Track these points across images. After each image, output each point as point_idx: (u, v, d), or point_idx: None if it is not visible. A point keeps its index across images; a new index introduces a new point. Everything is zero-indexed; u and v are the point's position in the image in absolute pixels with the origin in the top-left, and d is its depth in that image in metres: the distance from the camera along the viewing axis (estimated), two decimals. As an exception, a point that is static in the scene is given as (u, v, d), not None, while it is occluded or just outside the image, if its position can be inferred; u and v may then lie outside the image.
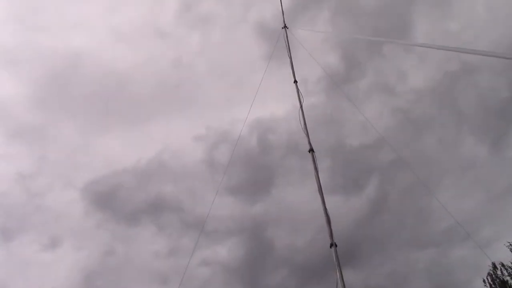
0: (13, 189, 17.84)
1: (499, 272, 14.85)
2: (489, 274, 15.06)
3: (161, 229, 16.85)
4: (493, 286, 14.92)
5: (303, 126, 7.07)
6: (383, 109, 17.47)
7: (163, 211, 17.26)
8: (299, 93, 7.47)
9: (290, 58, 8.28)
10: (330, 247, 5.64)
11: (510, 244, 14.78)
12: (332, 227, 5.87)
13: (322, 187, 6.28)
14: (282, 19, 9.39)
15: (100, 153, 19.06)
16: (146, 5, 21.63)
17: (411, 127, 16.85)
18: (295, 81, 7.83)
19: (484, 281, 15.10)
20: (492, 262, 14.53)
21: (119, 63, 20.51)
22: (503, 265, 14.82)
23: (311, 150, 6.76)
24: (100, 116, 19.92)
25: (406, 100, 17.98)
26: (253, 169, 14.73)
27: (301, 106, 7.21)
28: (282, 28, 9.17)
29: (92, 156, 19.12)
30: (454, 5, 19.58)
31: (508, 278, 14.54)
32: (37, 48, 19.44)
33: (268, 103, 15.60)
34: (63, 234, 16.98)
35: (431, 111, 17.75)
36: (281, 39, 8.80)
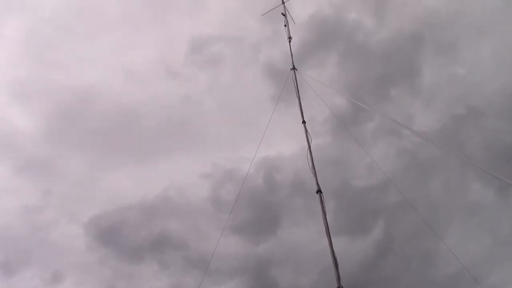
0: (17, 222, 17.79)
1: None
2: None
3: (163, 267, 16.64)
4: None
5: (311, 167, 7.09)
6: (390, 151, 17.47)
7: (166, 249, 17.10)
8: (308, 133, 7.56)
9: (299, 98, 8.43)
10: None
11: None
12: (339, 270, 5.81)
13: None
14: (291, 60, 9.63)
15: (106, 188, 19.09)
16: (158, 45, 22.11)
17: (418, 170, 16.80)
18: (304, 122, 7.94)
19: None
20: None
21: (129, 100, 20.80)
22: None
23: (319, 191, 6.76)
24: (108, 151, 20.06)
25: (412, 143, 18.03)
26: (259, 208, 14.68)
27: (309, 147, 7.27)
28: (291, 69, 9.39)
29: (98, 191, 19.14)
30: (460, 51, 19.87)
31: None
32: (50, 83, 19.83)
33: (275, 143, 15.68)
34: (65, 269, 16.79)
35: (437, 154, 17.76)
36: (289, 80, 9.00)
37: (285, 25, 10.79)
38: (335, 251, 6.03)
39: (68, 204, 18.71)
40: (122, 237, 17.68)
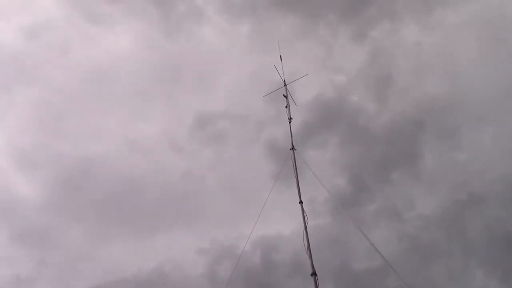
0: (7, 292, 17.29)
1: None
2: None
3: None
4: None
5: (306, 248, 7.02)
6: (390, 235, 17.21)
7: (159, 327, 16.45)
8: (304, 214, 7.55)
9: (297, 178, 8.51)
10: None
11: None
12: None
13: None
14: (291, 140, 9.83)
15: (101, 261, 18.71)
16: (164, 119, 22.65)
17: (419, 255, 16.45)
18: (301, 202, 7.95)
19: None
20: None
21: (132, 172, 20.99)
22: None
23: (314, 274, 6.65)
24: (107, 223, 19.89)
25: (413, 227, 17.82)
26: (255, 287, 14.24)
27: (306, 228, 7.24)
28: (290, 149, 9.56)
29: (93, 263, 18.74)
30: (461, 137, 20.19)
31: None
32: (54, 153, 20.14)
33: (274, 221, 15.54)
34: None
35: (439, 239, 17.47)
36: (288, 160, 9.14)
37: (286, 106, 11.13)
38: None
39: (61, 276, 18.28)
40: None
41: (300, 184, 8.68)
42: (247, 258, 14.69)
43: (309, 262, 6.96)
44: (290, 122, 10.55)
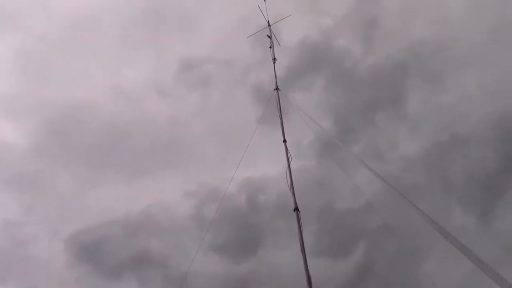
0: (-3, 236, 17.56)
1: None
2: None
3: (142, 284, 16.41)
4: None
5: (289, 185, 7.18)
6: (373, 175, 17.57)
7: (146, 266, 16.89)
8: (288, 152, 7.68)
9: (281, 118, 8.58)
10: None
11: None
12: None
13: (306, 248, 6.30)
14: (275, 81, 9.82)
15: (90, 205, 18.97)
16: (149, 65, 22.35)
17: (401, 195, 16.88)
18: (285, 141, 8.07)
19: None
20: None
21: (118, 118, 20.90)
22: None
23: (296, 209, 6.84)
24: (95, 168, 20.01)
25: (396, 168, 18.21)
26: (241, 228, 14.64)
27: (289, 165, 7.38)
28: (274, 89, 9.57)
29: (81, 208, 19.00)
30: (446, 81, 20.29)
31: None
32: (40, 101, 19.88)
33: (260, 164, 15.77)
34: (42, 285, 16.52)
35: (420, 180, 17.92)
36: (273, 101, 9.17)
37: (270, 47, 11.05)
38: (310, 270, 6.08)
39: (50, 220, 18.55)
40: (102, 254, 17.49)
41: (285, 126, 8.75)
42: (233, 200, 15.02)
43: (292, 200, 7.13)
44: (274, 63, 10.51)
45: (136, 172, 19.82)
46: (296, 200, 7.11)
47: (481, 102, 19.51)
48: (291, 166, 7.65)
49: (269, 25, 11.38)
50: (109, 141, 20.34)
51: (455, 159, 18.51)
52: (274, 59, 10.67)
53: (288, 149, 7.90)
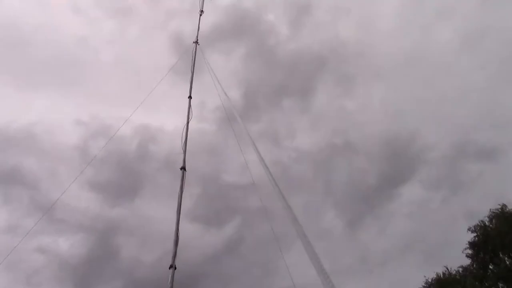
0: None
1: None
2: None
3: (6, 202, 15.36)
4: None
5: (183, 143, 6.97)
6: (266, 157, 17.91)
7: (15, 184, 15.82)
8: (190, 109, 7.42)
9: (192, 72, 8.20)
10: (169, 268, 5.51)
11: None
12: (179, 251, 5.76)
13: (182, 210, 6.18)
14: (196, 34, 9.37)
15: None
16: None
17: (286, 184, 17.45)
18: (190, 97, 7.76)
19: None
20: None
21: (24, 21, 19.09)
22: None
23: (183, 168, 6.67)
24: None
25: (288, 156, 18.75)
26: (124, 173, 14.17)
27: (188, 123, 7.14)
28: (194, 42, 9.14)
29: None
30: (355, 87, 21.18)
31: None
32: None
33: (161, 113, 15.33)
34: None
35: (306, 174, 18.65)
36: (189, 54, 8.76)
37: None
38: (181, 231, 5.97)
39: None
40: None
41: (195, 84, 8.44)
42: (124, 142, 14.45)
43: (182, 158, 6.94)
44: (200, 15, 10.02)
45: (28, 83, 18.28)
46: (186, 159, 6.92)
47: (380, 117, 20.63)
48: (189, 125, 7.42)
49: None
50: (6, 41, 18.52)
51: (342, 164, 19.48)
52: (202, 11, 10.17)
53: (192, 107, 7.63)
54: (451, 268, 15.55)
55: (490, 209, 15.25)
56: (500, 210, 15.07)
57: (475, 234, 15.29)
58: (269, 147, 18.68)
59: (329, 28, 21.95)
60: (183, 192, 6.51)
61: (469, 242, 15.30)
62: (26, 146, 16.62)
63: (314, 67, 20.95)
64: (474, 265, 15.14)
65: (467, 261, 15.27)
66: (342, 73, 21.23)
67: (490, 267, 14.88)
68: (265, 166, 4.91)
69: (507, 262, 14.49)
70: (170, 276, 5.50)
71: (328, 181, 19.12)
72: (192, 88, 8.03)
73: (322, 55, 20.89)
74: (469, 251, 15.33)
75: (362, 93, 21.21)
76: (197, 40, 9.13)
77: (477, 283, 14.48)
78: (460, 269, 15.41)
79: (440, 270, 15.61)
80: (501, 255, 14.66)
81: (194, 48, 8.83)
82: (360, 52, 21.13)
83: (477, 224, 15.31)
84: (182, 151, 7.00)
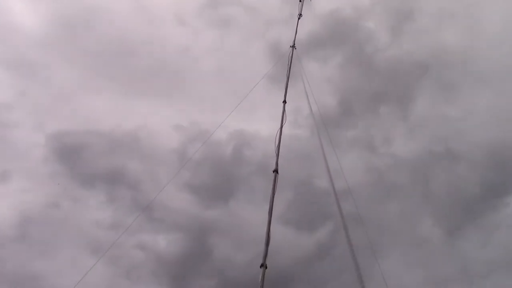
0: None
1: None
2: None
3: (111, 200, 16.60)
4: None
5: (276, 146, 7.09)
6: (360, 164, 17.66)
7: (119, 184, 17.04)
8: (284, 113, 7.52)
9: (288, 77, 8.25)
10: (260, 267, 5.65)
11: None
12: (270, 253, 5.88)
13: (274, 212, 6.29)
14: (294, 37, 9.39)
15: (80, 109, 18.92)
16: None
17: (379, 190, 17.03)
18: (284, 101, 7.86)
19: None
20: None
21: (131, 33, 20.55)
22: None
23: (275, 171, 6.78)
24: (95, 74, 19.72)
25: (384, 163, 18.25)
26: (219, 176, 14.71)
27: (281, 127, 7.26)
28: (290, 46, 9.19)
29: (71, 109, 18.95)
30: (459, 93, 20.08)
31: None
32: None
33: (256, 119, 15.70)
34: (15, 172, 16.61)
35: (403, 181, 18.01)
36: (285, 59, 8.84)
37: (300, 0, 10.49)
38: (275, 235, 6.09)
39: (38, 112, 18.51)
40: (80, 160, 17.59)
41: (291, 89, 8.53)
42: (220, 146, 15.02)
43: (275, 161, 7.07)
44: (299, 19, 10.07)
45: (133, 91, 19.68)
46: (278, 163, 7.05)
47: (485, 125, 19.39)
48: (283, 129, 7.54)
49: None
50: (116, 52, 20.06)
51: (442, 172, 18.56)
52: (300, 15, 10.22)
53: (286, 112, 7.74)
54: None
55: None
56: None
57: None
58: (364, 154, 18.34)
59: (432, 33, 21.06)
60: (275, 195, 6.64)
61: None
62: (130, 149, 17.85)
63: (414, 73, 20.21)
64: None
65: None
66: (445, 80, 20.25)
67: None
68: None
69: None
70: (260, 274, 5.63)
71: (426, 189, 18.31)
72: (288, 94, 8.14)
73: (424, 61, 20.11)
74: None
75: (466, 100, 20.04)
76: (294, 44, 9.20)
77: None
78: None
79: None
80: None
81: (291, 52, 8.92)
82: (464, 58, 20.03)
83: None
84: (275, 155, 7.13)
